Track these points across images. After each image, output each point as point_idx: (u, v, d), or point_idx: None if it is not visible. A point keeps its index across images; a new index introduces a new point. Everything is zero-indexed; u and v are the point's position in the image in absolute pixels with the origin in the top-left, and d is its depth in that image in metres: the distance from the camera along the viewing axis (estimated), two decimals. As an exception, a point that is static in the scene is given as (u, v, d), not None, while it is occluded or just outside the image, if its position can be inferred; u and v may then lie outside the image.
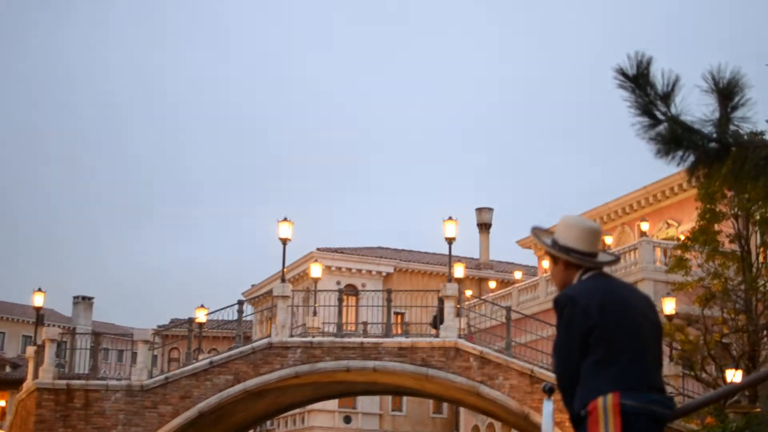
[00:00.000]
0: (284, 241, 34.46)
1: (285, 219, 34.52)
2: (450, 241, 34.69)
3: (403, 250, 77.63)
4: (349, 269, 69.47)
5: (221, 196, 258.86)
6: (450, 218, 34.59)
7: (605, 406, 5.25)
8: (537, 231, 5.90)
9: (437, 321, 35.39)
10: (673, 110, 5.75)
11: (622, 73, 5.71)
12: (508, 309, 36.29)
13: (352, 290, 64.28)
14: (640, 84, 5.74)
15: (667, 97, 5.73)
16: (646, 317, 5.61)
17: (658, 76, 5.73)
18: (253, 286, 55.87)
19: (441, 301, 34.60)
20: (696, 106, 5.74)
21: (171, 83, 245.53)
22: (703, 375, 31.95)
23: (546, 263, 53.32)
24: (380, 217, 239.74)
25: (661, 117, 5.77)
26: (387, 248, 77.16)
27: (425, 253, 77.10)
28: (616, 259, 6.02)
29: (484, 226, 73.56)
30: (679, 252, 34.09)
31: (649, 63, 5.73)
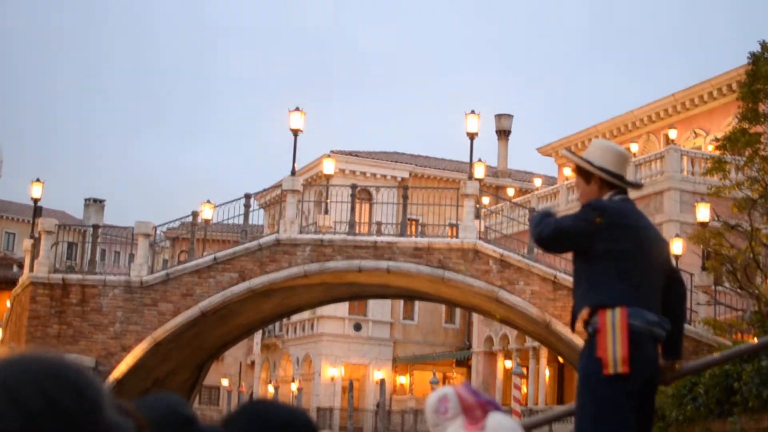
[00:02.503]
0: (295, 132, 32.31)
1: (297, 108, 32.34)
2: (472, 136, 32.46)
3: (419, 155, 75.75)
4: (364, 173, 67.61)
5: (237, 102, 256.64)
6: (472, 112, 32.35)
7: (614, 323, 5.65)
8: (569, 151, 6.55)
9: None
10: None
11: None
12: (532, 210, 34.22)
13: (366, 196, 62.46)
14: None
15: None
16: (661, 251, 6.21)
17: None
18: (264, 190, 53.92)
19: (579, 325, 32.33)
20: None
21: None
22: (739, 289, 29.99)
23: (568, 171, 51.99)
24: (397, 124, 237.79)
25: None
26: (403, 153, 75.29)
27: (442, 159, 75.19)
28: (640, 185, 6.77)
29: (503, 133, 71.49)
30: (717, 152, 31.81)
31: None
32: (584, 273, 6.03)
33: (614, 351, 5.61)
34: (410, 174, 68.89)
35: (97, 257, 34.14)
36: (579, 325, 5.95)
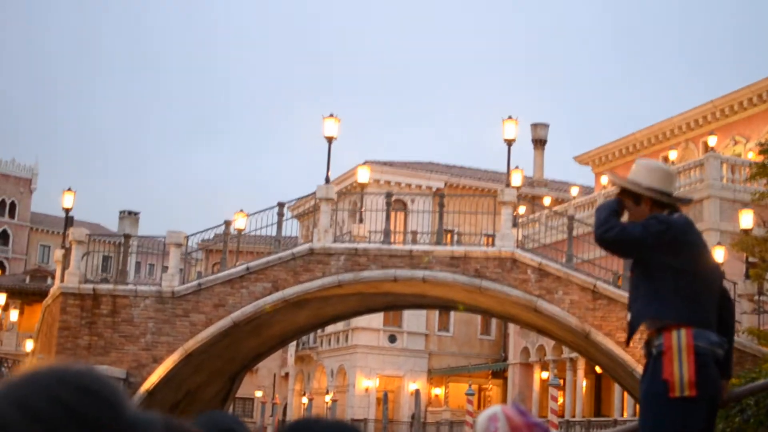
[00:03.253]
0: (329, 140, 31.76)
1: (331, 115, 31.80)
2: (509, 143, 31.83)
3: (454, 165, 75.17)
4: (399, 183, 67.10)
5: (267, 112, 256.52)
6: (510, 117, 31.72)
7: (679, 345, 5.63)
8: (613, 174, 6.45)
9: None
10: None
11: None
12: (571, 218, 33.55)
13: (400, 205, 61.95)
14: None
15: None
16: (717, 270, 6.35)
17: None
18: (298, 199, 53.07)
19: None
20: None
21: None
22: None
23: (605, 179, 51.33)
24: (432, 134, 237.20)
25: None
26: (438, 163, 74.70)
27: (477, 169, 74.57)
28: (690, 200, 6.88)
29: (539, 143, 70.91)
30: (760, 158, 31.06)
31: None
32: (644, 285, 6.01)
33: (681, 374, 5.63)
34: (445, 184, 68.32)
35: (132, 269, 33.75)
36: (636, 338, 6.36)
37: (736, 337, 25.48)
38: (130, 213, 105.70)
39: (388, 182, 65.98)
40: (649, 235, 5.88)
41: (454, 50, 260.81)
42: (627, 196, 6.13)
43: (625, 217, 6.15)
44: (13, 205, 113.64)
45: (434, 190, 66.00)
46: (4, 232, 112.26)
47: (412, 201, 60.87)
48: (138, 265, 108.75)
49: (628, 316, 6.14)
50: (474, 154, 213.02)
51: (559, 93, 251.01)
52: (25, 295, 72.21)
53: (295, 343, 73.96)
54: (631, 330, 6.09)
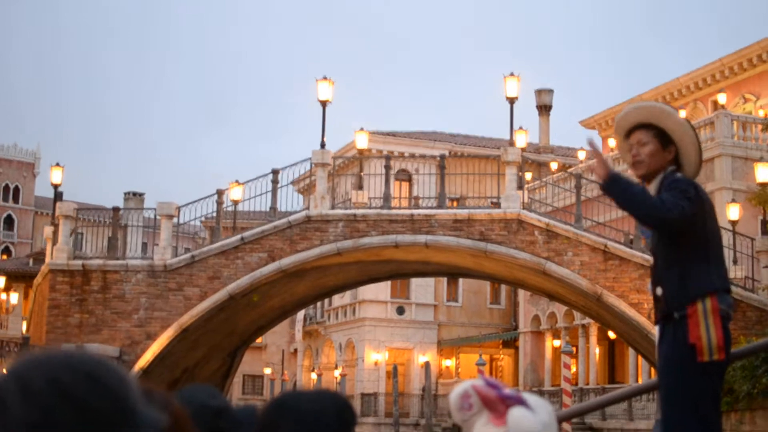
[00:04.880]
0: (324, 103, 30.45)
1: (325, 78, 30.47)
2: (512, 101, 30.45)
3: (458, 134, 73.82)
4: (402, 153, 65.72)
5: (270, 89, 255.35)
6: (512, 74, 30.34)
7: (705, 308, 5.53)
8: (664, 106, 6.05)
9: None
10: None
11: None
12: (579, 177, 32.19)
13: (404, 175, 60.69)
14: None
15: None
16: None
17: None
18: (292, 165, 51.69)
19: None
20: None
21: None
22: None
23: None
24: (435, 105, 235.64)
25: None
26: (442, 132, 73.37)
27: (482, 137, 73.24)
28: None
29: (544, 109, 69.38)
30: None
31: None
32: (673, 257, 5.75)
33: (709, 338, 5.50)
34: (449, 153, 66.89)
35: (138, 249, 32.50)
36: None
37: (755, 295, 24.32)
38: (134, 194, 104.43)
39: (392, 153, 64.63)
40: (690, 201, 5.58)
41: (455, 17, 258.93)
42: (658, 136, 5.80)
43: (623, 169, 5.28)
44: (17, 190, 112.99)
45: (438, 158, 64.75)
46: (9, 216, 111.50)
47: (416, 170, 59.56)
48: (144, 246, 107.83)
49: (658, 291, 5.76)
50: (478, 124, 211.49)
51: (563, 58, 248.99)
52: (29, 277, 71.07)
53: (302, 318, 73.10)
54: (668, 310, 5.70)
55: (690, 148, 5.83)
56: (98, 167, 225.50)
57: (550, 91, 69.23)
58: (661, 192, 5.67)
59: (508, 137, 32.32)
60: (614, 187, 5.64)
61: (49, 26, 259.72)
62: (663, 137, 5.81)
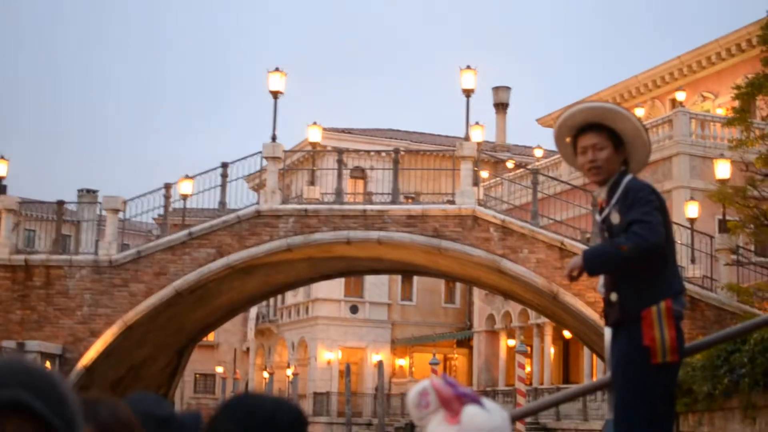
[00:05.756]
0: (275, 94, 29.67)
1: (276, 69, 29.73)
2: (468, 93, 29.80)
3: (414, 132, 73.32)
4: (357, 151, 65.04)
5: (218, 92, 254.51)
6: (468, 67, 29.70)
7: (659, 311, 5.44)
8: (621, 109, 5.87)
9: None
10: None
11: None
12: (535, 172, 31.64)
13: (359, 172, 59.99)
14: None
15: None
16: None
17: None
18: (242, 159, 50.94)
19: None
20: None
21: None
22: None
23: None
24: (392, 103, 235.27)
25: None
26: (397, 130, 72.89)
27: (438, 135, 72.72)
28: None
29: (501, 106, 69.08)
30: (737, 104, 29.26)
31: None
32: None
33: (662, 339, 5.44)
34: (404, 150, 66.41)
35: (90, 245, 31.58)
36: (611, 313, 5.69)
37: (714, 294, 23.93)
38: (88, 191, 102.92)
39: (347, 150, 63.94)
40: (657, 210, 5.51)
41: (411, 15, 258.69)
42: (609, 137, 5.66)
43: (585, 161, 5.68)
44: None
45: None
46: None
47: (371, 167, 58.89)
48: (98, 243, 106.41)
49: (613, 296, 5.61)
50: (434, 122, 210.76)
51: (521, 56, 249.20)
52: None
53: (255, 317, 72.34)
54: (619, 319, 5.59)
55: (641, 149, 5.75)
56: (52, 164, 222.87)
57: (507, 89, 68.90)
58: (615, 193, 5.61)
59: (464, 135, 31.66)
60: (596, 267, 5.61)
61: (5, 20, 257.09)
62: (615, 139, 5.69)
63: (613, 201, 5.61)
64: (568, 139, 5.84)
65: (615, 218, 5.58)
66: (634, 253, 5.37)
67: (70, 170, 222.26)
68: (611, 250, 5.49)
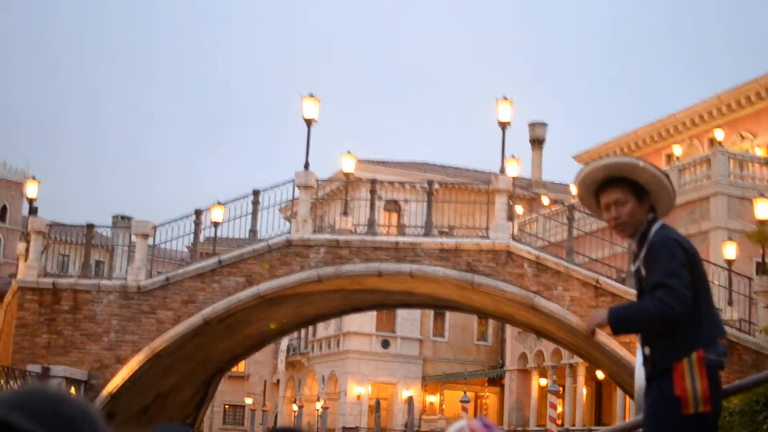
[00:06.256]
0: (309, 122, 29.37)
1: (311, 95, 29.42)
2: (503, 125, 29.39)
3: (449, 166, 72.97)
4: (392, 183, 64.68)
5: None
6: (504, 98, 29.29)
7: (690, 362, 5.34)
8: (643, 161, 5.74)
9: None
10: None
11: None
12: (571, 208, 31.13)
13: (393, 206, 59.58)
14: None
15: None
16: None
17: None
18: (273, 187, 50.87)
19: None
20: None
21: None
22: None
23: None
24: (428, 137, 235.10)
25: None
26: (433, 164, 72.50)
27: (473, 170, 72.36)
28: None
29: (537, 142, 68.61)
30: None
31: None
32: None
33: (694, 389, 5.33)
34: (440, 184, 66.02)
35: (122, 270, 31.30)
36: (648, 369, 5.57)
37: (752, 337, 23.28)
38: (123, 217, 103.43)
39: (381, 182, 63.57)
40: (683, 267, 5.36)
41: (450, 50, 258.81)
42: (633, 191, 5.53)
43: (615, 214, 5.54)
44: (4, 209, 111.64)
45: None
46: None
47: (405, 201, 58.51)
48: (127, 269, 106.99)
49: (646, 350, 5.50)
50: (470, 156, 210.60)
51: (558, 93, 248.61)
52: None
53: (285, 349, 71.99)
54: (651, 372, 5.52)
55: (665, 196, 5.63)
56: (92, 190, 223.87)
57: (544, 125, 68.47)
58: (644, 244, 5.48)
59: (499, 169, 31.21)
60: (620, 328, 5.52)
61: (46, 46, 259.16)
62: (637, 190, 5.58)
63: (642, 254, 5.49)
64: (585, 194, 5.78)
65: (644, 272, 5.46)
66: (659, 321, 5.29)
67: (113, 197, 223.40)
68: (636, 313, 5.42)
